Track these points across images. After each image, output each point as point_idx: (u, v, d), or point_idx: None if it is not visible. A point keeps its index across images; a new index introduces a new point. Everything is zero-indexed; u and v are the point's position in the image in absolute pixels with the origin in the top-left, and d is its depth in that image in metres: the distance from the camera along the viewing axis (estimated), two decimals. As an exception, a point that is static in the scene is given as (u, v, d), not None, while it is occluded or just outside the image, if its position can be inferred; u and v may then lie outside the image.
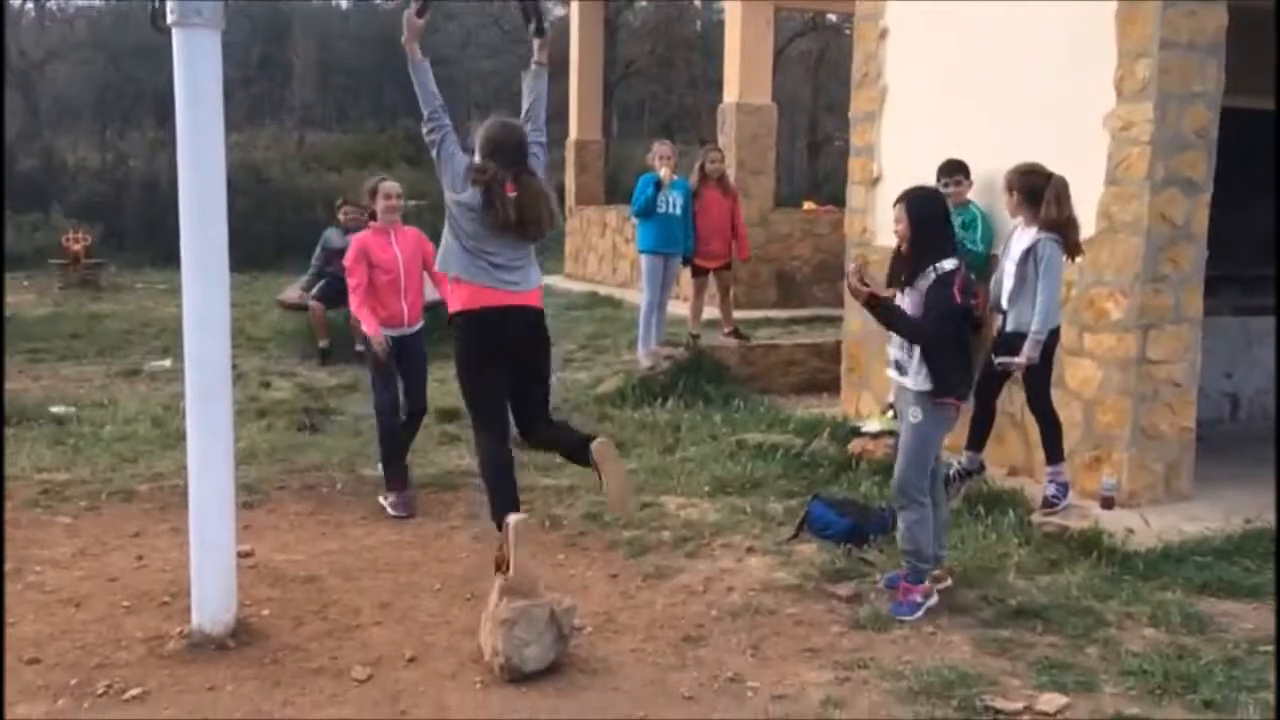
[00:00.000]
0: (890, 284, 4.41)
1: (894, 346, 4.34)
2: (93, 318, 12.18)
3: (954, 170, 6.10)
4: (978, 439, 5.67)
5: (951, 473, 5.68)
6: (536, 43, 4.59)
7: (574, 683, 3.69)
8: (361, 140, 29.74)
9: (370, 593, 4.46)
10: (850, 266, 4.60)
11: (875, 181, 7.13)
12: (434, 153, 4.33)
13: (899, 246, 4.33)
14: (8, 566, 4.58)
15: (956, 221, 6.12)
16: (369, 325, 5.51)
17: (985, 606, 4.34)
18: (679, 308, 9.59)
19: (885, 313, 4.23)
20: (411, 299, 5.69)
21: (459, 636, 4.02)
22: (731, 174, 9.70)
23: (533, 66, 4.58)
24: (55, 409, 7.09)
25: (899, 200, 4.36)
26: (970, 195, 6.14)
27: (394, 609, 4.30)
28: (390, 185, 5.75)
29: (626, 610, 4.31)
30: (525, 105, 4.54)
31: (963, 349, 4.31)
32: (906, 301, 4.27)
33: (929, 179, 6.16)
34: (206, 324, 3.87)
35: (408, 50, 4.33)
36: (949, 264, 4.18)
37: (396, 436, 5.68)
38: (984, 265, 5.92)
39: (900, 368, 4.29)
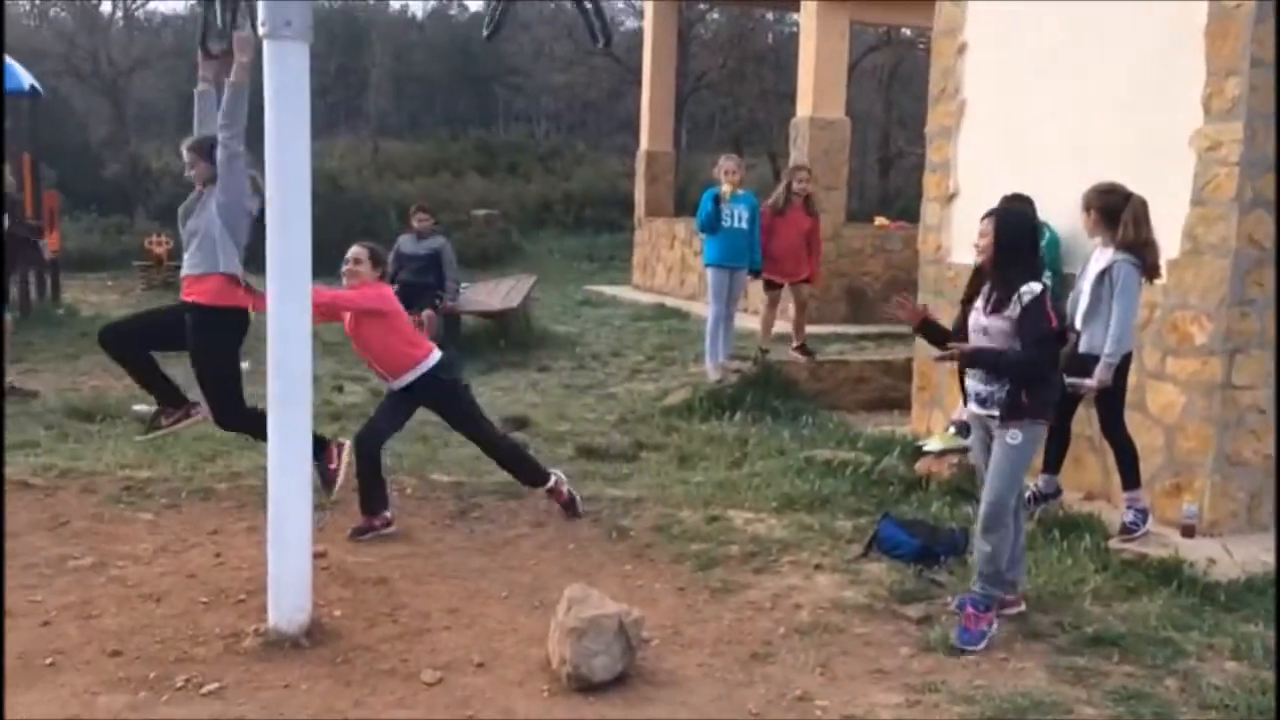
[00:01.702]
0: (967, 300, 4.35)
1: (977, 380, 4.24)
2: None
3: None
4: (1054, 461, 5.57)
5: (1027, 495, 5.60)
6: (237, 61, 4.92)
7: (641, 695, 3.69)
8: (434, 148, 30.22)
9: (439, 597, 4.51)
10: (896, 303, 4.48)
11: (951, 198, 7.06)
12: (233, 162, 5.07)
13: (981, 263, 4.25)
14: (91, 560, 4.72)
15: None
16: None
17: (1060, 633, 4.26)
18: (748, 321, 9.58)
19: (984, 359, 4.16)
20: (383, 364, 5.34)
21: (526, 644, 4.04)
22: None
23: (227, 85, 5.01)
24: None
25: (989, 215, 4.29)
26: (1049, 215, 6.06)
27: (462, 614, 4.34)
28: (353, 250, 5.31)
29: (694, 624, 4.30)
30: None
31: (1054, 371, 4.26)
32: (987, 321, 4.18)
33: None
34: (289, 332, 3.95)
35: (237, 75, 4.90)
36: (1037, 286, 4.09)
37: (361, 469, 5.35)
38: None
39: (983, 400, 4.21)
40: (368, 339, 5.28)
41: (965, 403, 4.55)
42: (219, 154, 5.11)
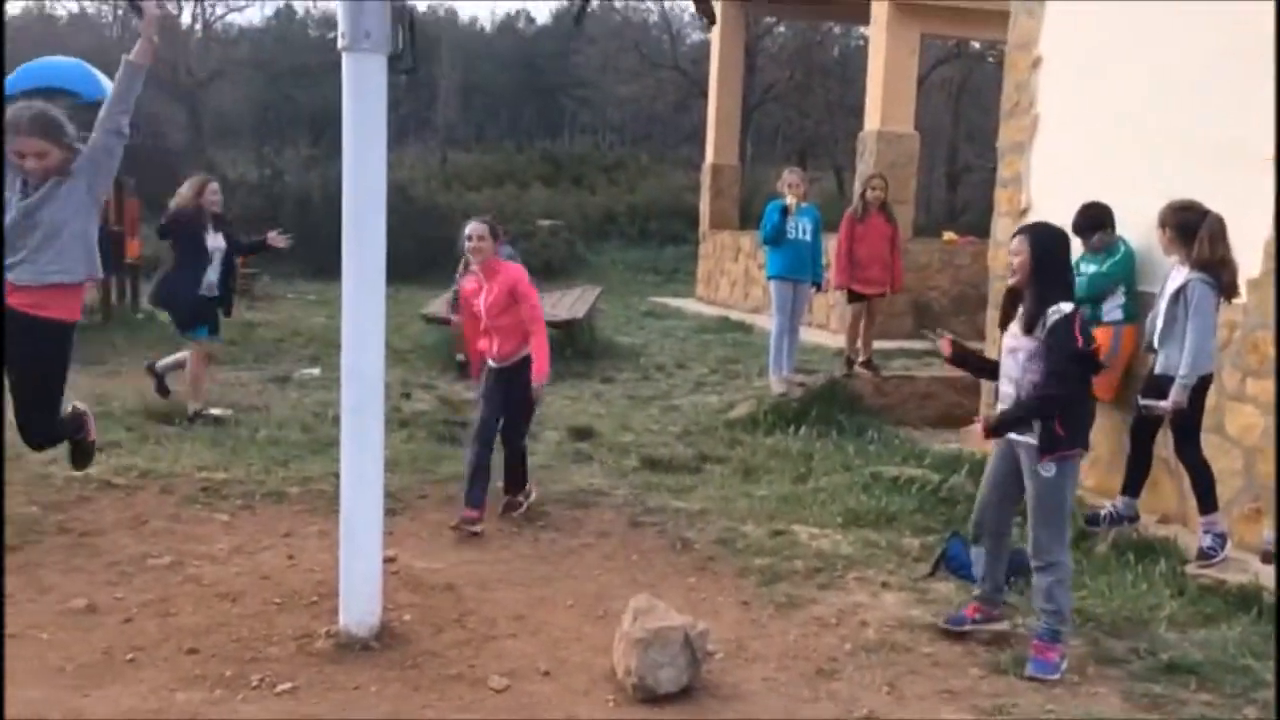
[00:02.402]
0: (1003, 324, 4.25)
1: (1006, 404, 4.16)
2: (247, 325, 12.74)
3: (1091, 227, 5.97)
4: (1134, 485, 5.46)
5: (1102, 514, 5.50)
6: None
7: (706, 708, 3.69)
8: (500, 160, 30.54)
9: (505, 604, 4.54)
10: (941, 343, 4.43)
11: (1023, 213, 6.96)
12: (117, 151, 4.35)
13: (1015, 283, 4.18)
14: (169, 559, 4.82)
15: (1101, 259, 5.97)
16: (472, 362, 5.76)
17: (1135, 659, 4.16)
18: (811, 334, 9.53)
19: (1008, 420, 4.09)
20: (501, 341, 5.53)
21: (592, 653, 4.06)
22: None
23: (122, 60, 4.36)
24: (214, 411, 7.44)
25: (1020, 232, 4.23)
26: (1126, 231, 5.96)
27: (528, 622, 4.37)
28: (472, 226, 5.50)
29: (758, 638, 4.29)
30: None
31: (1087, 397, 4.18)
32: (1017, 343, 4.10)
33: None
34: (363, 340, 4.02)
35: (140, 54, 4.29)
36: (1068, 306, 4.01)
37: (473, 464, 5.54)
38: (1099, 289, 5.89)
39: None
40: (507, 320, 5.50)
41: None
42: (104, 138, 4.32)
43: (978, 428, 4.29)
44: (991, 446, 4.40)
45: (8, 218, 4.15)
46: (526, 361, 5.55)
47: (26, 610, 4.16)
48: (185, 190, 7.49)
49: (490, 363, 5.67)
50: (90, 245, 4.34)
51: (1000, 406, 4.22)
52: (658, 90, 29.26)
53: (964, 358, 4.48)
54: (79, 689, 3.59)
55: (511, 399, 5.62)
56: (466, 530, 5.37)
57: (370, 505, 4.10)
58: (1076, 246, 5.23)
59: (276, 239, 7.92)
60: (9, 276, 4.19)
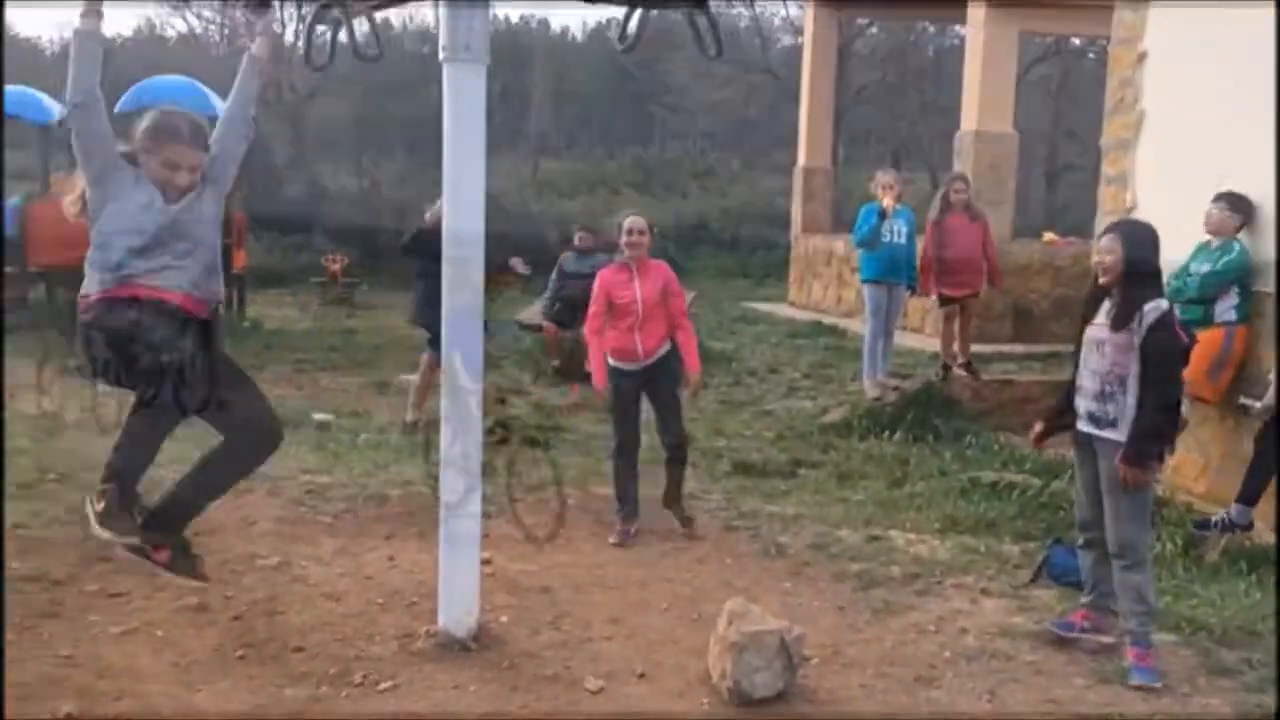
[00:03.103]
0: (1086, 320, 4.16)
1: (1088, 399, 4.08)
2: (347, 333, 13.11)
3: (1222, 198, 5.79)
4: (1253, 493, 5.26)
5: (1214, 520, 5.32)
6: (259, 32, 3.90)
7: (801, 713, 3.67)
8: (591, 167, 30.77)
9: (600, 607, 4.58)
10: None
11: (1129, 212, 6.77)
12: (240, 153, 3.86)
13: (1105, 281, 4.07)
14: (277, 559, 4.98)
15: (1215, 258, 5.78)
16: (595, 371, 5.55)
17: (1248, 670, 4.02)
18: (906, 338, 9.40)
19: (1141, 454, 3.93)
20: (649, 335, 5.55)
21: (686, 656, 4.07)
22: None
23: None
24: (317, 415, 7.66)
25: (1110, 229, 4.15)
26: (1239, 230, 5.77)
27: (623, 624, 4.40)
28: (633, 221, 5.62)
29: (855, 644, 4.25)
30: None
31: (1180, 399, 4.07)
32: (1106, 335, 4.01)
33: (1189, 210, 5.83)
34: (462, 346, 4.10)
35: (265, 42, 3.85)
36: (1164, 303, 3.94)
37: (622, 476, 5.64)
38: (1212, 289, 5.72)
39: (1097, 420, 4.04)
40: (659, 314, 5.54)
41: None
42: (233, 141, 3.86)
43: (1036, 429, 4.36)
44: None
45: (151, 223, 3.57)
46: (670, 356, 5.60)
47: (143, 607, 4.34)
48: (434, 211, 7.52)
49: (624, 365, 5.56)
50: (219, 260, 3.86)
51: (1080, 401, 4.13)
52: (749, 94, 29.16)
53: (1051, 427, 4.42)
54: (191, 684, 3.74)
55: (661, 397, 5.60)
56: (625, 539, 5.48)
57: (468, 509, 4.17)
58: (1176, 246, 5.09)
59: (518, 264, 8.08)
60: (144, 280, 3.56)
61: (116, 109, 12.45)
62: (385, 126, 28.98)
